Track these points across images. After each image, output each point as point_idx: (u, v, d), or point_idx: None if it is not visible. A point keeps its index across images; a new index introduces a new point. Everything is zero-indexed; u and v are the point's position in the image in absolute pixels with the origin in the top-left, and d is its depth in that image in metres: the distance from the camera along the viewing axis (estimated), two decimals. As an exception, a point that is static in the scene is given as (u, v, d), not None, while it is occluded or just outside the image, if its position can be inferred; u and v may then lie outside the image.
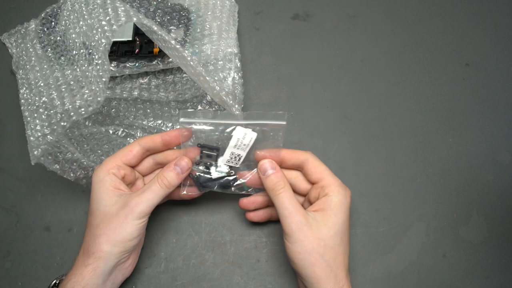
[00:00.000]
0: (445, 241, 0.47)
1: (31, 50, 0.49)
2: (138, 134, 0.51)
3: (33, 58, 0.48)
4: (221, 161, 0.42)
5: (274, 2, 0.61)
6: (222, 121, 0.41)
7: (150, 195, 0.38)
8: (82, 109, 0.39)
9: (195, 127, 0.41)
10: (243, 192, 0.44)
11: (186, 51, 0.41)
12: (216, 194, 0.46)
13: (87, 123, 0.50)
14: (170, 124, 0.51)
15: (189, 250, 0.47)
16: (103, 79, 0.37)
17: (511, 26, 0.59)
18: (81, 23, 0.41)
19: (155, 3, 0.53)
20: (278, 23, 0.60)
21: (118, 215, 0.38)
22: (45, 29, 0.51)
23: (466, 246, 0.47)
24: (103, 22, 0.38)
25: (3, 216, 0.48)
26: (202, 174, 0.43)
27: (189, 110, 0.42)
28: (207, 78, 0.41)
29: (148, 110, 0.52)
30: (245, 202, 0.44)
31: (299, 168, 0.42)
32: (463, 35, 0.59)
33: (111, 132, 0.50)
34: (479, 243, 0.47)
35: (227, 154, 0.42)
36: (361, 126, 0.53)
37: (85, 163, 0.44)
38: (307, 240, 0.37)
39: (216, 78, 0.45)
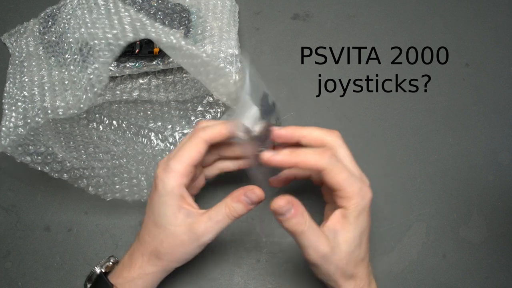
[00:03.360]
0: (445, 241, 0.47)
1: (23, 47, 0.49)
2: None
3: (23, 55, 0.47)
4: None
5: (274, 2, 0.61)
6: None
7: (217, 225, 0.37)
8: (61, 110, 0.38)
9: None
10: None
11: (201, 50, 0.40)
12: (215, 193, 0.46)
13: (83, 121, 0.50)
14: (170, 126, 0.51)
15: (189, 250, 0.47)
16: (95, 89, 0.37)
17: (511, 26, 0.59)
18: (82, 29, 0.40)
19: (155, 4, 0.53)
20: (278, 23, 0.60)
21: (184, 241, 0.38)
22: (41, 28, 0.51)
23: (466, 246, 0.47)
24: (109, 35, 0.37)
25: (3, 216, 0.48)
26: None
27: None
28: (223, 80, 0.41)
29: (149, 112, 0.52)
30: (276, 181, 0.44)
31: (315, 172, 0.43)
32: (463, 35, 0.59)
33: (104, 137, 0.50)
34: (479, 243, 0.47)
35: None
36: (361, 126, 0.53)
37: (60, 157, 0.43)
38: (333, 266, 0.37)
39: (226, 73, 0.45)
